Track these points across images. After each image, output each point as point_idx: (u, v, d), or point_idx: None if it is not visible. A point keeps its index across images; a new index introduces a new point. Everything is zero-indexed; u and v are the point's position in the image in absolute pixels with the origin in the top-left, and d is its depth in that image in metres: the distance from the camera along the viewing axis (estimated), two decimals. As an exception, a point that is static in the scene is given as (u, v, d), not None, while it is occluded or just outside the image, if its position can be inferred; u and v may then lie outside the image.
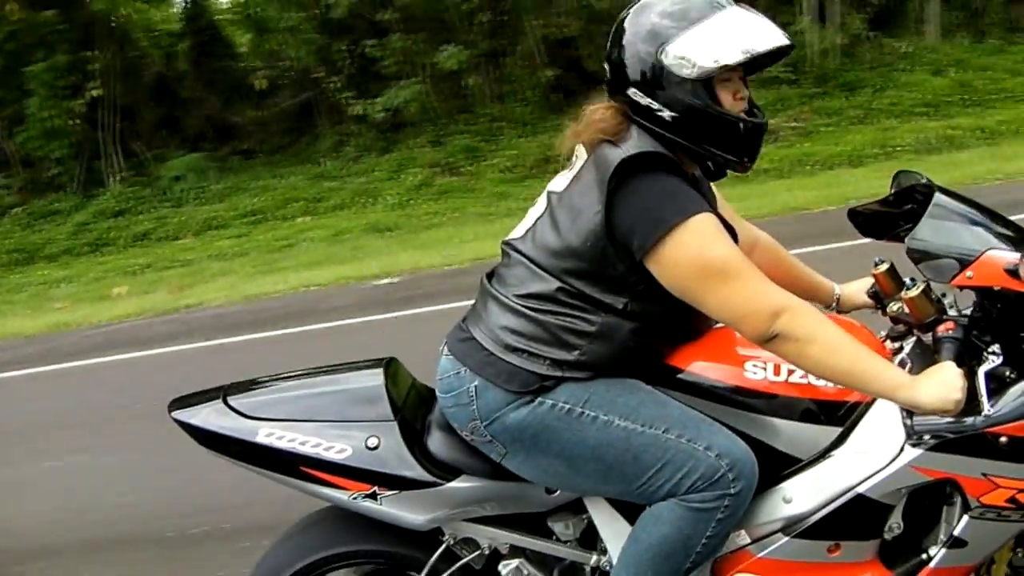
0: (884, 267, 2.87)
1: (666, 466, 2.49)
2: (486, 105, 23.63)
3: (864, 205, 2.91)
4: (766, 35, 2.46)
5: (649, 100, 2.51)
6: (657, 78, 2.49)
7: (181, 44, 27.20)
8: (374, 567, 2.93)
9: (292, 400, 2.83)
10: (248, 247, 19.65)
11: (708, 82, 2.46)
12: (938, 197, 2.58)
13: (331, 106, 24.33)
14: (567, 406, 2.54)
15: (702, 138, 2.50)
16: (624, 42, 2.54)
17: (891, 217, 2.83)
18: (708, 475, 2.46)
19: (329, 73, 24.21)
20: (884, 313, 2.91)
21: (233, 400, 2.81)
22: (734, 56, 2.42)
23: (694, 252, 2.38)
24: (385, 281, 13.15)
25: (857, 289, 3.05)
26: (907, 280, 2.75)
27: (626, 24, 2.55)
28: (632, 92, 2.53)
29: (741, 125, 2.51)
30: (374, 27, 23.19)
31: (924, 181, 2.74)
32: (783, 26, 2.57)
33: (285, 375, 3.00)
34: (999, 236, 2.51)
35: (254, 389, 2.89)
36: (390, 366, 2.91)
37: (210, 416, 2.78)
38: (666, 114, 2.49)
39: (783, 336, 2.35)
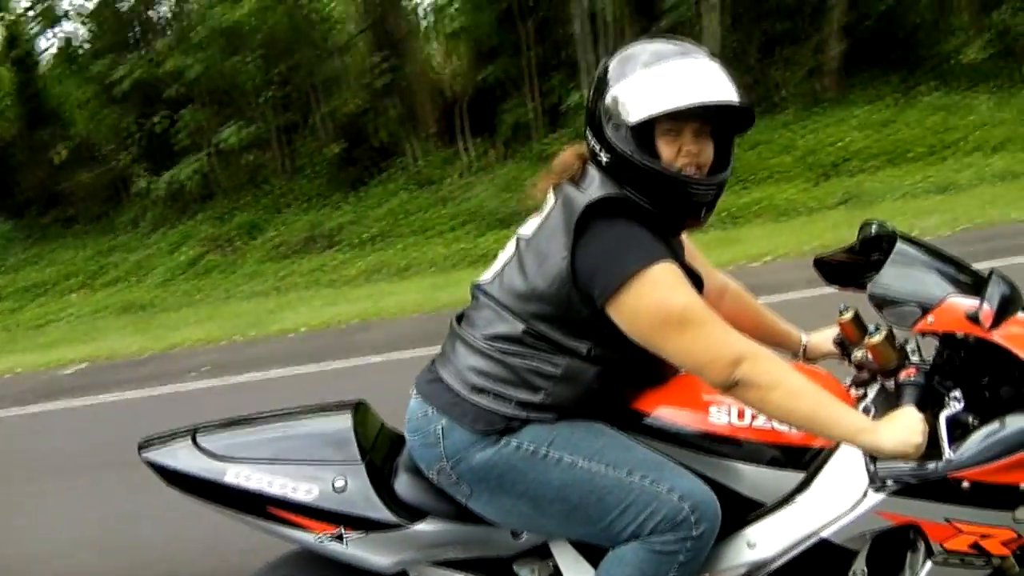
0: (849, 315, 2.90)
1: (629, 507, 2.49)
2: (278, 179, 23.83)
3: (830, 254, 2.95)
4: (695, 91, 2.42)
5: (595, 141, 2.54)
6: (599, 120, 2.53)
7: (12, 110, 27.40)
8: (340, 612, 2.91)
9: (261, 442, 2.83)
10: (11, 323, 19.76)
11: (646, 131, 2.46)
12: (900, 245, 2.63)
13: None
14: (532, 447, 2.54)
15: (632, 185, 2.49)
16: (596, 86, 2.57)
17: (857, 266, 2.87)
18: (671, 517, 2.46)
19: (120, 147, 24.62)
20: (850, 362, 2.93)
21: (202, 440, 2.80)
22: (657, 107, 2.41)
23: (654, 301, 2.40)
24: (72, 369, 12.92)
25: (824, 338, 3.06)
26: (871, 327, 2.74)
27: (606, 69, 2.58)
28: (586, 132, 2.58)
29: (665, 178, 2.48)
30: (166, 102, 23.37)
31: (890, 230, 2.79)
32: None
33: (255, 416, 2.99)
34: (960, 283, 2.56)
35: (224, 430, 2.88)
36: (359, 409, 2.90)
37: (179, 456, 2.77)
38: (603, 156, 2.52)
39: (745, 383, 2.36)
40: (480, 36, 24.11)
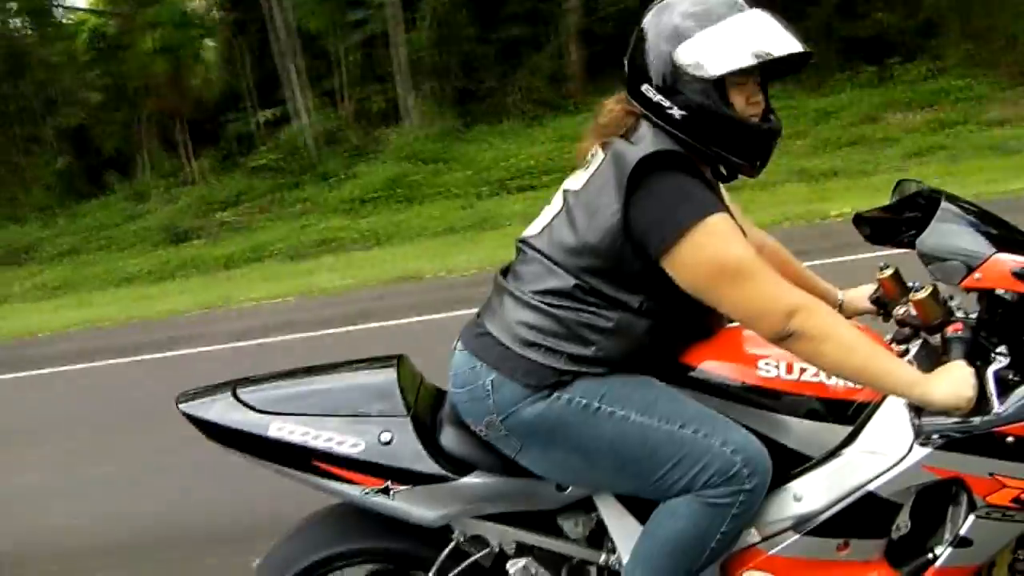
0: (889, 272, 2.91)
1: (682, 461, 2.49)
2: (15, 191, 23.82)
3: (869, 212, 2.96)
4: (780, 41, 2.47)
5: (661, 97, 2.52)
6: (670, 76, 2.51)
7: None
8: (379, 567, 2.89)
9: (303, 395, 2.80)
10: None
11: (721, 84, 2.48)
12: (945, 203, 2.64)
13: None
14: (584, 401, 2.53)
15: (711, 139, 2.51)
16: (642, 41, 2.57)
17: (895, 224, 2.88)
18: (724, 470, 2.47)
19: None
20: (886, 319, 2.96)
21: (243, 394, 2.77)
22: (746, 59, 2.44)
23: (710, 253, 2.41)
24: None
25: (860, 295, 3.08)
26: (912, 283, 2.81)
27: (645, 24, 2.58)
28: (645, 88, 2.55)
29: (750, 129, 2.54)
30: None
31: (926, 189, 2.82)
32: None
33: (295, 370, 2.97)
34: (1005, 241, 2.57)
35: (264, 383, 2.86)
36: (400, 363, 2.88)
37: (220, 410, 2.74)
38: (676, 112, 2.51)
39: (798, 334, 2.37)
40: (191, 52, 24.84)
